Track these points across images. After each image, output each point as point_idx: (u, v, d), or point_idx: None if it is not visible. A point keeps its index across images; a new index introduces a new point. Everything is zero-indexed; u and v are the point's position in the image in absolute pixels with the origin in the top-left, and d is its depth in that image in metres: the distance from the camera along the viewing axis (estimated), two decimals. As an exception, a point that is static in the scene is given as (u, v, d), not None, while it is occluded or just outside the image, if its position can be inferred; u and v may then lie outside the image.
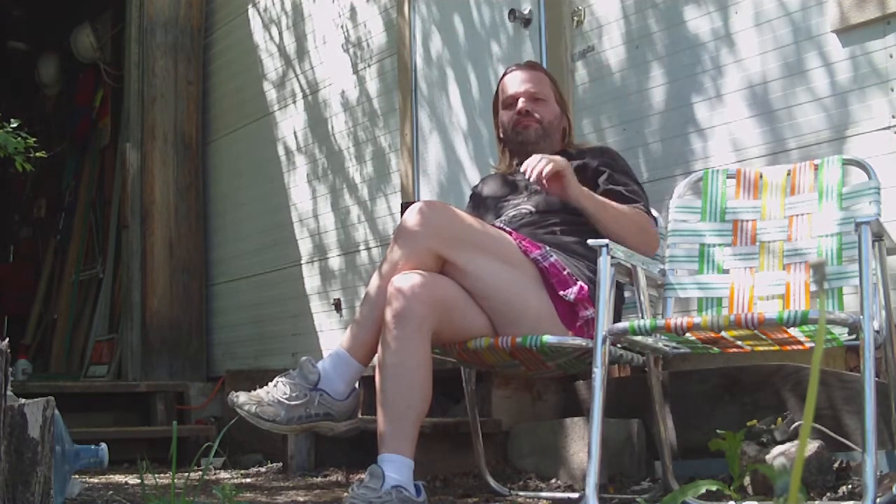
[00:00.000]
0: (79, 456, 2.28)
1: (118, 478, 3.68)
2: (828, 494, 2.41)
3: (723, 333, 2.22)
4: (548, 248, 2.60)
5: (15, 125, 3.10)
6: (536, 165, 2.58)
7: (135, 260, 5.43)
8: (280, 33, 5.06)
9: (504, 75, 3.00)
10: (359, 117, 4.46)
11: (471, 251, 2.51)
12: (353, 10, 4.53)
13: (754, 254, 2.61)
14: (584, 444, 2.93)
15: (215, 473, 3.96)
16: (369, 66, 4.41)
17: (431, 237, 2.49)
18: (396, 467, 2.30)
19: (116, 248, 6.22)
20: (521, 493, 2.83)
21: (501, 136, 3.01)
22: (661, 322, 2.24)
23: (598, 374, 2.27)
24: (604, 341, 2.30)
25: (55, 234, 7.39)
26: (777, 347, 2.38)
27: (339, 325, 4.45)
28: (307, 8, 4.87)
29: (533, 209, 2.80)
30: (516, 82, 2.93)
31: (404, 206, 2.98)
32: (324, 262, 4.64)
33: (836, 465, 2.50)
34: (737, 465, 2.37)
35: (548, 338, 2.44)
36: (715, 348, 2.45)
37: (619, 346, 2.49)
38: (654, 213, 2.82)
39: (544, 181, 2.56)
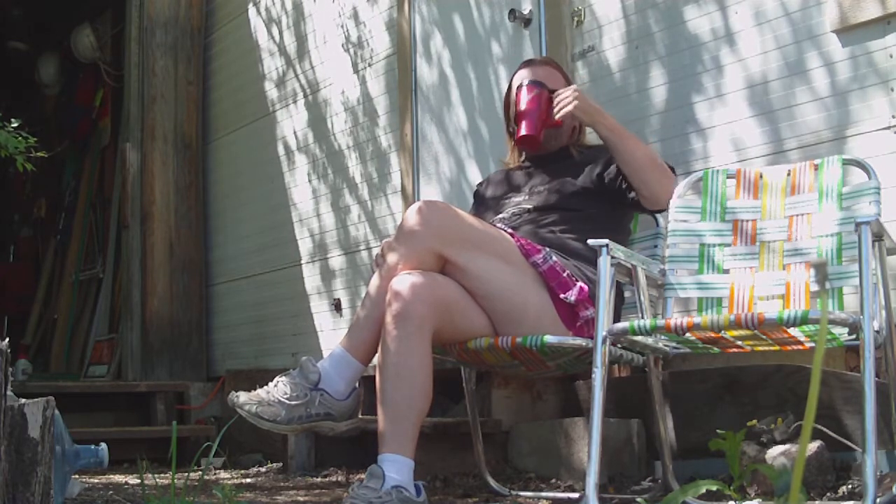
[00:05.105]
0: (79, 456, 2.28)
1: (118, 478, 3.68)
2: (828, 494, 2.41)
3: (723, 333, 2.22)
4: (547, 249, 2.60)
5: (15, 125, 3.10)
6: (562, 101, 2.76)
7: (135, 260, 5.43)
8: (280, 33, 5.06)
9: (518, 70, 3.00)
10: (359, 117, 4.46)
11: (471, 251, 2.51)
12: (353, 9, 4.53)
13: (754, 254, 2.61)
14: (584, 444, 2.93)
15: (215, 473, 3.96)
16: (369, 65, 4.41)
17: (432, 237, 2.49)
18: (397, 467, 2.30)
19: (116, 248, 6.21)
20: (522, 494, 2.83)
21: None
22: (661, 322, 2.24)
23: (598, 374, 2.27)
24: (604, 341, 2.30)
25: (55, 234, 7.38)
26: (777, 347, 2.38)
27: (339, 325, 4.44)
28: (307, 8, 4.87)
29: (532, 207, 2.80)
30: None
31: None
32: (324, 261, 4.63)
33: (835, 465, 2.50)
34: (737, 465, 2.36)
35: (548, 338, 2.44)
36: (715, 348, 2.45)
37: (619, 346, 2.49)
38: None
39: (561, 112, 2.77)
